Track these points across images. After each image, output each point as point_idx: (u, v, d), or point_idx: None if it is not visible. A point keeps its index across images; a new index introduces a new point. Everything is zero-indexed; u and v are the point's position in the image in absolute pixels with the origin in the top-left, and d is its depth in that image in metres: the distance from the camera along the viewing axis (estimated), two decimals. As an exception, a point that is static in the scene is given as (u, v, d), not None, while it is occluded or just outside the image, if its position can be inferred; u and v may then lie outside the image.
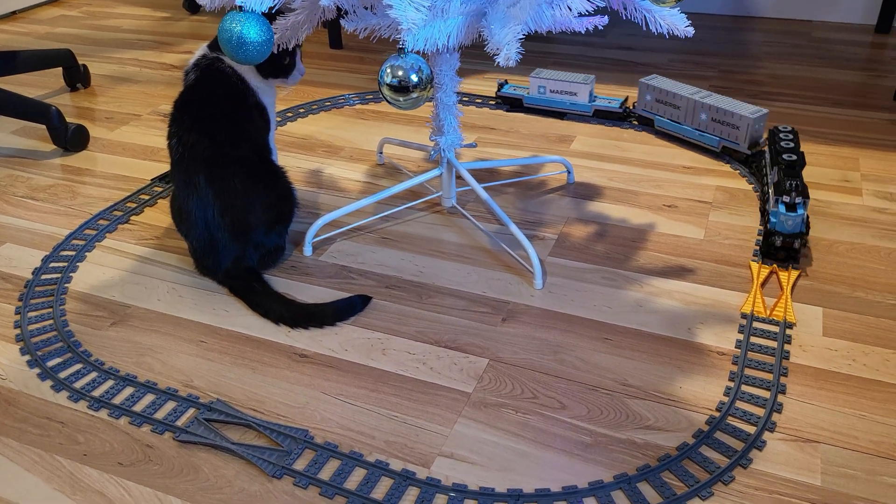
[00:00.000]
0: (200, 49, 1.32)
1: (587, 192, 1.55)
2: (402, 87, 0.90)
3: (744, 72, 2.14)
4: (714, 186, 1.56)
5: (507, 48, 0.85)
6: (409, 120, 1.92)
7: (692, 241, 1.38)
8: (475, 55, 2.34)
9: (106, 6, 3.07)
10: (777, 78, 2.09)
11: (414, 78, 0.90)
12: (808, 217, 1.37)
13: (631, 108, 1.87)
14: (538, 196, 1.55)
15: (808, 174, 1.59)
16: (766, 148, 1.53)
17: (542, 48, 2.40)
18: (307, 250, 1.38)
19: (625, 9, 1.13)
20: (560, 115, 1.89)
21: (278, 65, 1.31)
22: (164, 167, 1.71)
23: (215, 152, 1.24)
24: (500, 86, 1.97)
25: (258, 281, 1.27)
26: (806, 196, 1.28)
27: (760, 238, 1.37)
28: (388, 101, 0.94)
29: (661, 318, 1.19)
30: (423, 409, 1.04)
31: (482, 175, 1.62)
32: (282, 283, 1.30)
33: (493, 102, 1.99)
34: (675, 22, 1.11)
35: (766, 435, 0.98)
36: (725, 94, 1.99)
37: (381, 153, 1.69)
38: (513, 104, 1.95)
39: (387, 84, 0.91)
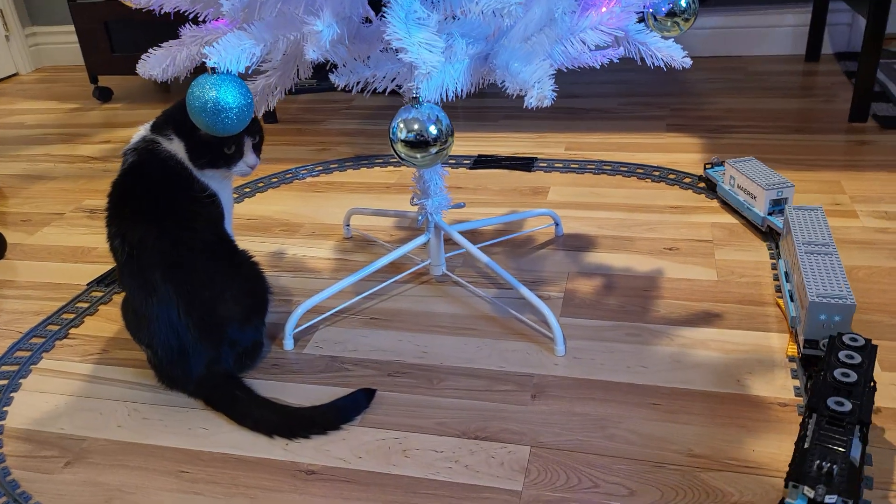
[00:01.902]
0: (142, 129, 1.15)
1: (580, 243, 1.44)
2: (419, 143, 0.76)
3: (695, 108, 2.12)
4: (709, 224, 1.48)
5: (538, 87, 0.73)
6: (367, 188, 1.78)
7: (707, 283, 1.28)
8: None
9: (6, 103, 2.83)
10: (729, 111, 2.08)
11: (433, 130, 0.76)
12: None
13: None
14: (529, 253, 1.42)
15: (795, 200, 1.53)
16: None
17: (479, 103, 2.33)
18: (288, 344, 1.20)
19: (618, 44, 1.04)
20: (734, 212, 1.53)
21: (217, 153, 1.10)
22: (101, 268, 1.50)
23: (168, 241, 1.06)
24: (710, 165, 1.61)
25: (239, 387, 1.08)
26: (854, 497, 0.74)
27: (776, 272, 1.29)
28: (402, 159, 0.80)
29: (705, 373, 1.07)
30: (472, 520, 0.87)
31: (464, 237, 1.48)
32: (265, 385, 1.11)
33: (692, 182, 1.77)
34: (671, 53, 1.03)
35: (867, 494, 0.86)
36: (682, 130, 1.94)
37: (347, 226, 1.54)
38: (709, 187, 1.59)
39: (401, 141, 0.77)
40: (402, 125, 0.76)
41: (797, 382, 1.04)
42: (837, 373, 0.86)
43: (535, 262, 1.38)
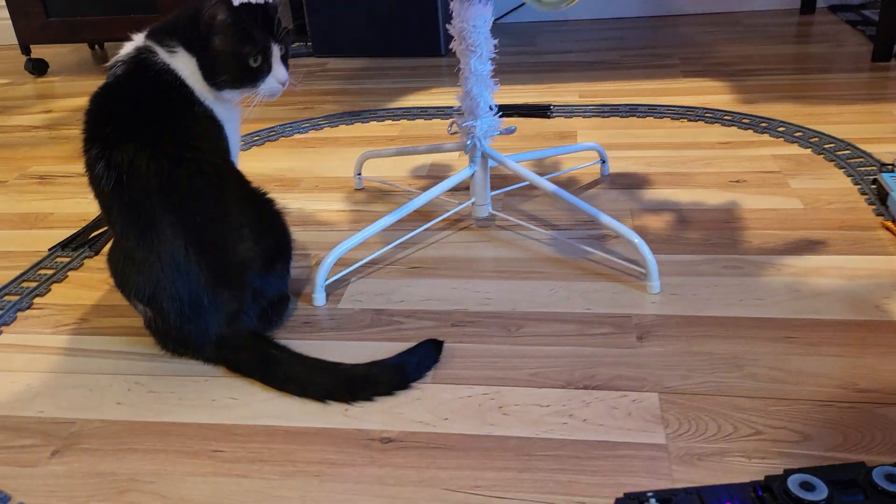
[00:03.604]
0: (135, 38, 0.90)
1: (632, 181, 1.26)
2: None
3: (706, 57, 1.98)
4: (769, 155, 1.32)
5: None
6: (368, 141, 1.56)
7: (795, 211, 1.12)
8: (420, 73, 2.03)
9: (-80, 81, 2.48)
10: (742, 58, 1.95)
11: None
12: None
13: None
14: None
15: (849, 132, 1.39)
16: None
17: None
18: (319, 298, 0.98)
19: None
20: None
21: (240, 67, 0.86)
22: (61, 234, 1.24)
23: (166, 161, 0.82)
24: (891, 167, 1.22)
25: (273, 346, 0.86)
26: None
27: (870, 195, 1.13)
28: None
29: (834, 301, 0.90)
30: (618, 482, 0.67)
31: (495, 180, 1.28)
32: (299, 346, 0.89)
33: (734, 119, 1.58)
34: None
35: None
36: (700, 76, 1.80)
37: (359, 175, 1.32)
38: (879, 196, 1.13)
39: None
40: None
41: (946, 304, 0.88)
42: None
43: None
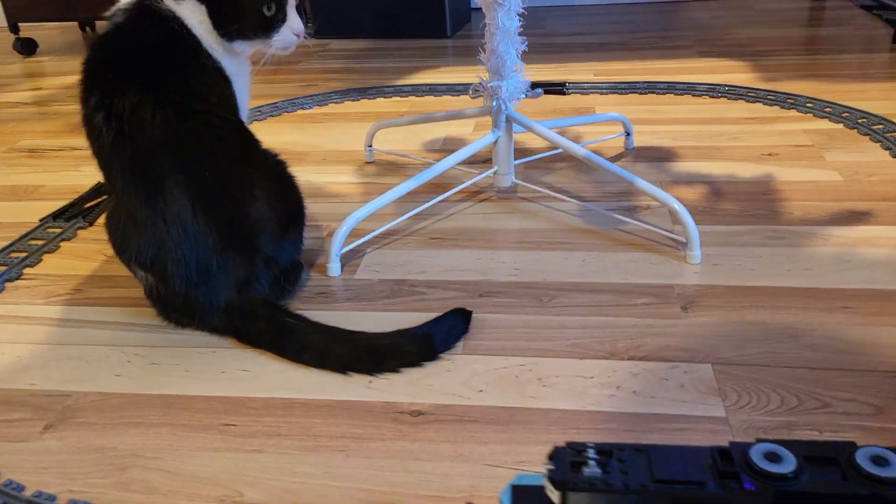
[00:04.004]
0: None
1: (659, 154, 1.20)
2: None
3: (720, 38, 1.93)
4: (800, 130, 1.26)
5: None
6: (377, 116, 1.49)
7: (835, 183, 1.06)
8: (426, 54, 1.97)
9: None
10: (758, 39, 1.89)
11: None
12: None
13: None
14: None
15: (881, 108, 1.33)
16: None
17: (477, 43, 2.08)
18: (334, 268, 0.91)
19: None
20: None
21: (253, 15, 0.79)
22: (52, 205, 1.16)
23: (173, 112, 0.75)
24: None
25: (289, 314, 0.79)
26: None
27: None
28: None
29: (889, 271, 0.84)
30: (678, 457, 0.60)
31: (516, 152, 1.22)
32: (315, 317, 0.82)
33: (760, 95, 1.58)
34: None
35: None
36: (717, 56, 1.75)
37: (370, 147, 1.25)
38: None
39: None
40: None
41: None
42: None
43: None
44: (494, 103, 0.98)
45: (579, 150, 0.96)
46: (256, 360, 0.76)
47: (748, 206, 1.02)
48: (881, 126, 1.24)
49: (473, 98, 1.02)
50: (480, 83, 0.99)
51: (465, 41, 2.13)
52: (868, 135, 1.22)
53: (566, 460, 0.36)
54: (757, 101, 1.42)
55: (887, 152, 1.15)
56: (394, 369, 0.73)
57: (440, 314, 0.78)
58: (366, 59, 1.96)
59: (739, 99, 1.44)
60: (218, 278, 0.77)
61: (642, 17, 2.26)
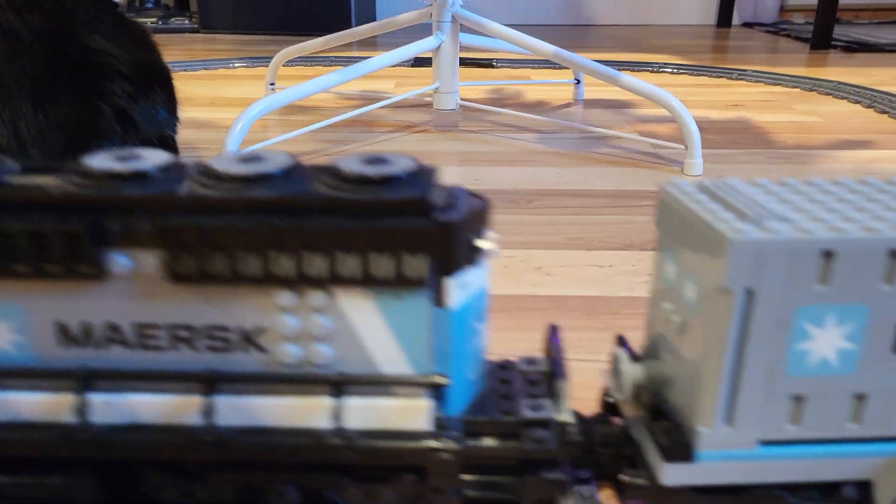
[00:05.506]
0: None
1: (613, 104, 1.05)
2: None
3: (635, 49, 1.86)
4: (757, 92, 1.15)
5: None
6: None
7: (817, 123, 0.94)
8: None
9: None
10: (675, 51, 1.84)
11: None
12: None
13: None
14: (559, 110, 1.00)
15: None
16: None
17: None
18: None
19: None
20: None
21: None
22: None
23: None
24: None
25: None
26: None
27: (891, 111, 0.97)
28: None
29: (923, 182, 0.70)
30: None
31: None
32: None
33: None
34: None
35: None
36: (643, 52, 1.66)
37: (272, 84, 1.03)
38: None
39: None
40: None
41: None
42: None
43: (568, 118, 0.97)
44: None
45: (547, 47, 0.78)
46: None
47: (735, 137, 0.87)
48: (840, 90, 1.15)
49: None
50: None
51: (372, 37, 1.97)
52: (830, 94, 1.12)
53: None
54: (702, 75, 1.31)
55: (858, 104, 1.05)
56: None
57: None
58: (260, 46, 1.75)
59: (683, 74, 1.33)
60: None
61: (552, 34, 2.18)
